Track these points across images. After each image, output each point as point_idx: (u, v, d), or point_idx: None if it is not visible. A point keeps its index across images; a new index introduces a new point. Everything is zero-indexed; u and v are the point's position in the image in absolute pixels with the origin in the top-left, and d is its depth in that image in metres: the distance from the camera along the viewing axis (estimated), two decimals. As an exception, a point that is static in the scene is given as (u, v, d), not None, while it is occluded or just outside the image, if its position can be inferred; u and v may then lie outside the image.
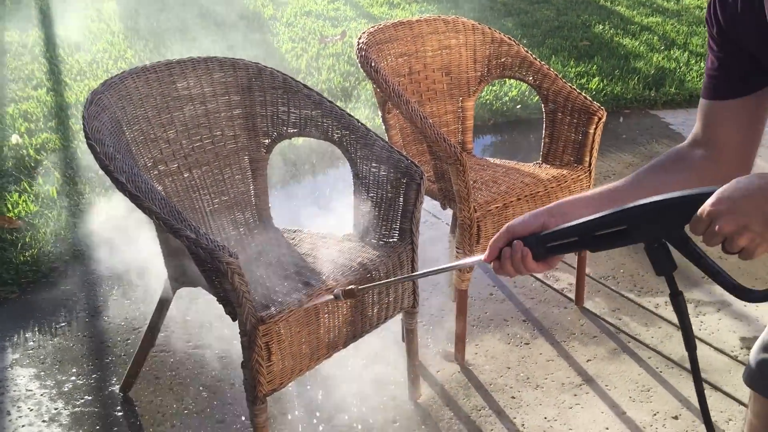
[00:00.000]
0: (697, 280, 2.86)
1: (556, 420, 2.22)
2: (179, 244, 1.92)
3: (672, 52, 5.58)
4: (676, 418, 2.22)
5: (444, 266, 1.24)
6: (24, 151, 3.78)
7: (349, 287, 1.31)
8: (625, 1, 7.11)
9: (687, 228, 0.97)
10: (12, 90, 4.64)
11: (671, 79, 5.04)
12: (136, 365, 2.28)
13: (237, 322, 1.74)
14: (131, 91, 2.08)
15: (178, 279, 2.12)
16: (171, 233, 1.69)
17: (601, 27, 6.19)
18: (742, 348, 2.51)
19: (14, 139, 3.90)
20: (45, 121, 4.17)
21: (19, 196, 3.33)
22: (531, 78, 2.69)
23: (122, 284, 2.89)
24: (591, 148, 2.50)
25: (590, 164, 2.51)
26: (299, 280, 1.91)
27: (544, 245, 1.11)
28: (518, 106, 4.61)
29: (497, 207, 2.29)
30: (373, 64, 2.37)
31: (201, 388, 2.35)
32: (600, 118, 2.48)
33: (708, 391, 2.32)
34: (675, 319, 2.66)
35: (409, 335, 2.20)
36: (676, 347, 2.52)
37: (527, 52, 2.73)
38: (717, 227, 0.91)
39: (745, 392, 1.38)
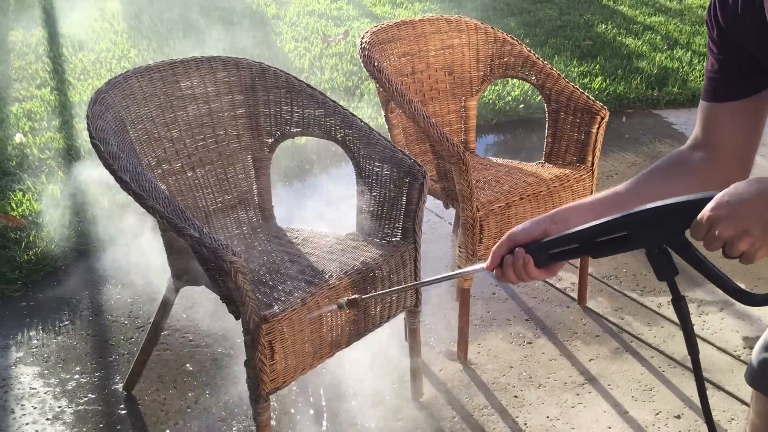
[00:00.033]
0: (699, 280, 2.86)
1: (558, 419, 2.22)
2: (183, 243, 1.93)
3: (675, 52, 5.58)
4: (678, 417, 2.23)
5: (446, 274, 1.25)
6: (28, 150, 3.79)
7: (353, 297, 1.32)
8: (628, 1, 7.10)
9: (688, 233, 0.97)
10: (16, 89, 4.65)
11: (674, 78, 5.04)
12: (139, 363, 2.29)
13: (240, 320, 1.74)
14: (135, 91, 2.09)
15: (182, 278, 2.13)
16: (175, 232, 1.70)
17: (603, 26, 6.19)
18: (744, 348, 2.51)
19: (18, 138, 3.91)
20: (49, 120, 4.18)
21: (23, 195, 3.34)
22: (534, 77, 2.69)
23: (126, 283, 2.90)
24: (594, 147, 2.50)
25: (593, 164, 2.51)
26: (302, 279, 1.92)
27: (546, 252, 1.11)
28: (521, 106, 4.61)
29: (500, 206, 2.30)
30: (376, 64, 2.37)
31: (204, 386, 2.35)
32: (603, 118, 2.48)
33: (710, 391, 2.32)
34: (677, 318, 2.66)
35: (412, 334, 2.21)
36: (679, 347, 2.52)
37: (530, 51, 2.73)
38: (717, 232, 0.92)
39: (747, 392, 1.38)
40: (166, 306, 2.19)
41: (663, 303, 2.76)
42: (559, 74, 2.64)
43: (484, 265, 1.17)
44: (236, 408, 2.27)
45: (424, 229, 2.49)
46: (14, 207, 3.25)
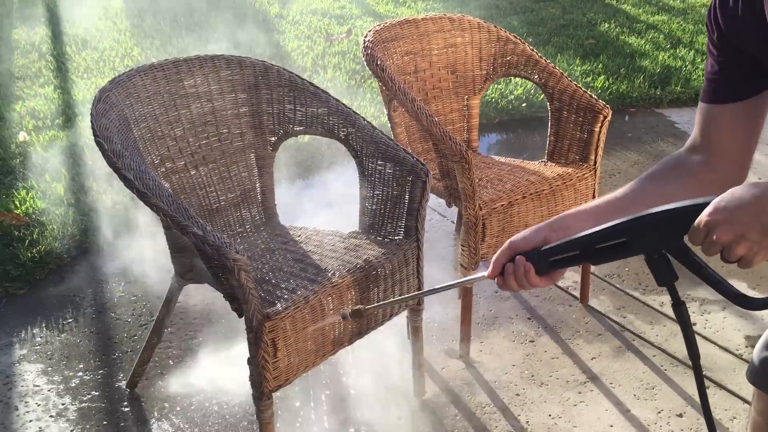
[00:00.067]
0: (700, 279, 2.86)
1: (560, 417, 2.23)
2: (186, 241, 1.94)
3: (678, 51, 5.57)
4: (680, 416, 2.23)
5: (449, 283, 1.25)
6: (31, 148, 3.80)
7: (356, 307, 1.33)
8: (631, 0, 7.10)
9: (687, 238, 0.98)
10: (19, 87, 4.66)
11: (677, 77, 5.03)
12: (142, 361, 2.30)
13: (243, 318, 1.75)
14: (139, 89, 2.10)
15: (185, 275, 2.13)
16: (178, 230, 1.70)
17: (606, 25, 6.19)
18: (746, 346, 2.51)
19: (22, 136, 3.92)
20: (52, 119, 4.19)
21: (27, 193, 3.35)
22: (536, 76, 2.69)
23: (129, 281, 2.91)
24: (596, 146, 2.50)
25: (595, 162, 2.51)
26: (305, 277, 1.92)
27: (546, 260, 1.12)
28: (524, 105, 4.61)
29: (502, 205, 2.30)
30: (379, 63, 2.38)
31: (207, 384, 2.36)
32: (605, 117, 2.48)
33: (712, 390, 2.33)
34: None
35: (415, 332, 2.21)
36: (681, 346, 2.52)
37: (533, 50, 2.73)
38: (714, 237, 0.92)
39: (749, 390, 1.39)
40: (169, 304, 2.20)
41: (665, 302, 2.76)
42: (561, 73, 2.64)
43: (485, 273, 1.18)
44: (239, 406, 2.28)
45: (427, 228, 2.50)
46: (18, 205, 3.26)
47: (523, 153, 4.05)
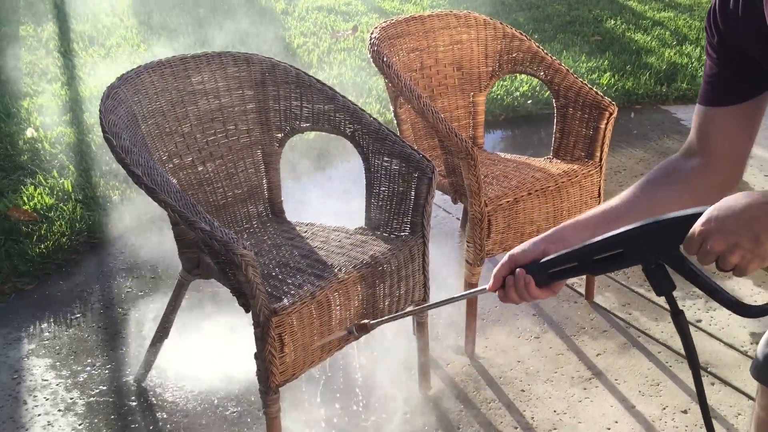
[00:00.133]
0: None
1: (565, 413, 2.24)
2: (193, 237, 1.95)
3: (684, 48, 5.56)
4: (685, 412, 2.24)
5: (452, 297, 1.27)
6: (39, 144, 3.82)
7: (363, 322, 1.35)
8: (638, -4, 7.09)
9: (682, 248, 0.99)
10: (27, 84, 4.69)
11: (683, 74, 5.02)
12: (150, 356, 2.32)
13: (250, 313, 1.76)
14: (147, 86, 2.11)
15: (192, 271, 2.15)
16: (186, 226, 1.72)
17: (612, 22, 6.18)
18: (752, 343, 2.52)
19: (29, 132, 3.94)
20: (60, 115, 4.21)
21: (35, 189, 3.37)
22: (542, 73, 2.70)
23: (136, 276, 2.93)
24: (602, 143, 2.51)
25: (601, 159, 2.51)
26: (311, 273, 1.93)
27: (546, 272, 1.13)
28: (529, 102, 4.61)
29: (508, 201, 2.31)
30: (385, 59, 2.38)
31: (214, 378, 2.38)
32: (611, 114, 2.48)
33: (717, 386, 2.33)
34: (685, 314, 2.67)
35: (420, 328, 2.22)
36: (686, 342, 2.52)
37: (538, 47, 2.74)
38: (708, 246, 0.94)
39: (754, 387, 1.39)
40: (176, 299, 2.22)
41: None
42: (567, 70, 2.64)
43: (486, 286, 1.20)
44: (246, 400, 2.29)
45: (432, 224, 2.50)
46: (26, 201, 3.28)
47: (528, 150, 4.05)
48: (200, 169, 2.24)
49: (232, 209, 2.31)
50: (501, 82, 4.73)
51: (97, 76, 4.76)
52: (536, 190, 2.36)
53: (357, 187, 2.40)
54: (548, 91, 2.77)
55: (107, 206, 3.32)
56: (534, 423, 2.20)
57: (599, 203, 2.50)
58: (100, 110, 1.90)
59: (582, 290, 2.80)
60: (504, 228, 2.32)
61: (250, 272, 1.68)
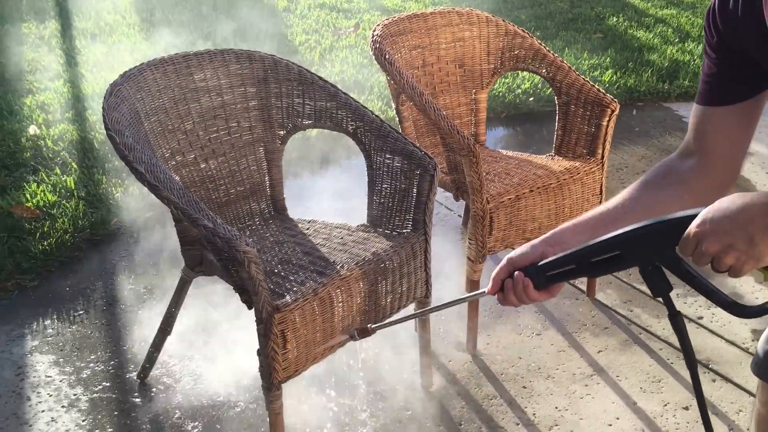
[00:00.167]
0: (707, 272, 2.86)
1: (566, 410, 2.24)
2: (196, 234, 1.96)
3: (686, 45, 5.56)
4: (686, 408, 2.24)
5: (452, 300, 1.29)
6: (42, 141, 3.83)
7: (364, 326, 1.36)
8: (640, -7, 7.08)
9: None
10: (29, 81, 4.69)
11: (685, 71, 5.02)
12: (152, 352, 2.33)
13: (253, 310, 1.77)
14: (149, 83, 2.11)
15: (195, 268, 2.15)
16: (189, 223, 1.72)
17: (614, 19, 6.17)
18: (753, 340, 2.52)
19: (32, 129, 3.95)
20: (62, 112, 4.22)
21: (38, 186, 3.37)
22: (544, 70, 2.70)
23: (139, 273, 2.93)
24: (604, 140, 2.51)
25: (603, 156, 2.52)
26: (314, 270, 1.94)
27: (544, 274, 1.14)
28: (531, 99, 4.61)
29: (510, 199, 2.31)
30: (387, 56, 2.39)
31: (216, 375, 2.39)
32: (613, 111, 2.48)
33: (719, 383, 2.34)
34: (686, 311, 2.67)
35: (422, 325, 2.23)
36: (687, 339, 2.53)
37: (540, 44, 2.74)
38: (704, 248, 0.95)
39: (755, 383, 1.40)
40: (179, 296, 2.23)
41: (671, 295, 2.76)
42: (569, 67, 2.64)
43: (485, 290, 1.21)
44: (248, 396, 2.30)
45: (434, 221, 2.51)
46: (29, 198, 3.29)
47: (530, 147, 4.05)
48: (203, 166, 2.24)
49: (234, 206, 2.32)
50: (503, 80, 4.73)
51: (100, 74, 4.77)
52: (538, 187, 2.37)
53: (359, 184, 2.40)
54: (550, 89, 2.77)
55: (110, 203, 3.32)
56: (535, 419, 2.21)
57: (601, 200, 2.51)
58: (102, 107, 1.91)
59: (584, 287, 2.81)
60: (506, 225, 2.33)
61: (253, 269, 1.69)
